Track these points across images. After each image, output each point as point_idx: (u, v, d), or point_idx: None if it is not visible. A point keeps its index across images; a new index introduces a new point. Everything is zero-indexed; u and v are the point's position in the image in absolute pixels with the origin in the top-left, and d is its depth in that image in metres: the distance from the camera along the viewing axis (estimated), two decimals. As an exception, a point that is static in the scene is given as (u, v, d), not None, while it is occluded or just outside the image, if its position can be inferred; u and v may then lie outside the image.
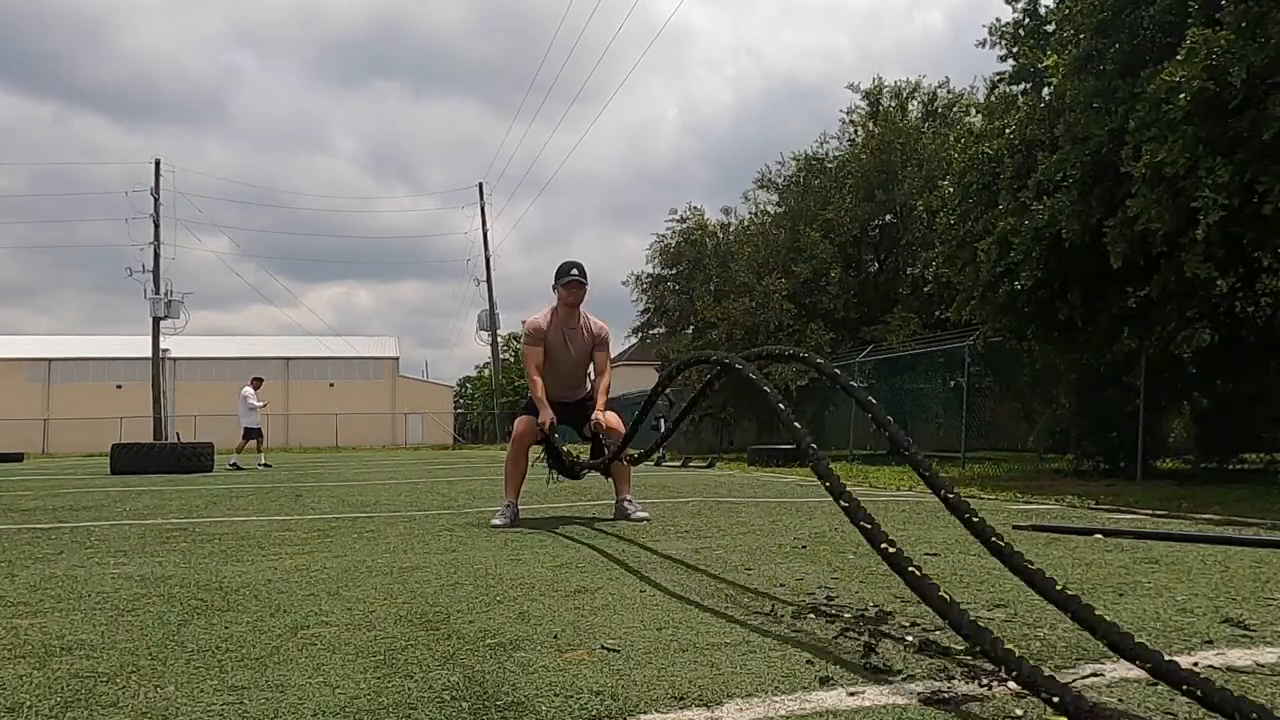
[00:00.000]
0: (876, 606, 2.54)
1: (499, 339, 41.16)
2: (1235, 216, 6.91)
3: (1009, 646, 1.70)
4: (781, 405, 2.63)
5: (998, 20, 10.48)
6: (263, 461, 15.83)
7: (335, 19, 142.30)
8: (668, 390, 19.91)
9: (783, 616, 2.45)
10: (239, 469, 14.66)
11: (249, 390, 15.98)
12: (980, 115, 11.87)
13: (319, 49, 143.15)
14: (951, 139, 14.31)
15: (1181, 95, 6.86)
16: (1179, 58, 6.98)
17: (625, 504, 5.27)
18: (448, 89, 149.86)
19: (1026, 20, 10.11)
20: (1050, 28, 9.75)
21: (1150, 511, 5.83)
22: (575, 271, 5.27)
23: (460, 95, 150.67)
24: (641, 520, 5.07)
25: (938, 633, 2.21)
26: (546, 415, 5.08)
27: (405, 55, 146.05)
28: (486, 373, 48.54)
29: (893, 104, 19.61)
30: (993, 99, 10.84)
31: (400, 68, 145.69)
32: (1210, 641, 2.14)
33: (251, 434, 15.77)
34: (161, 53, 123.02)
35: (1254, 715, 1.37)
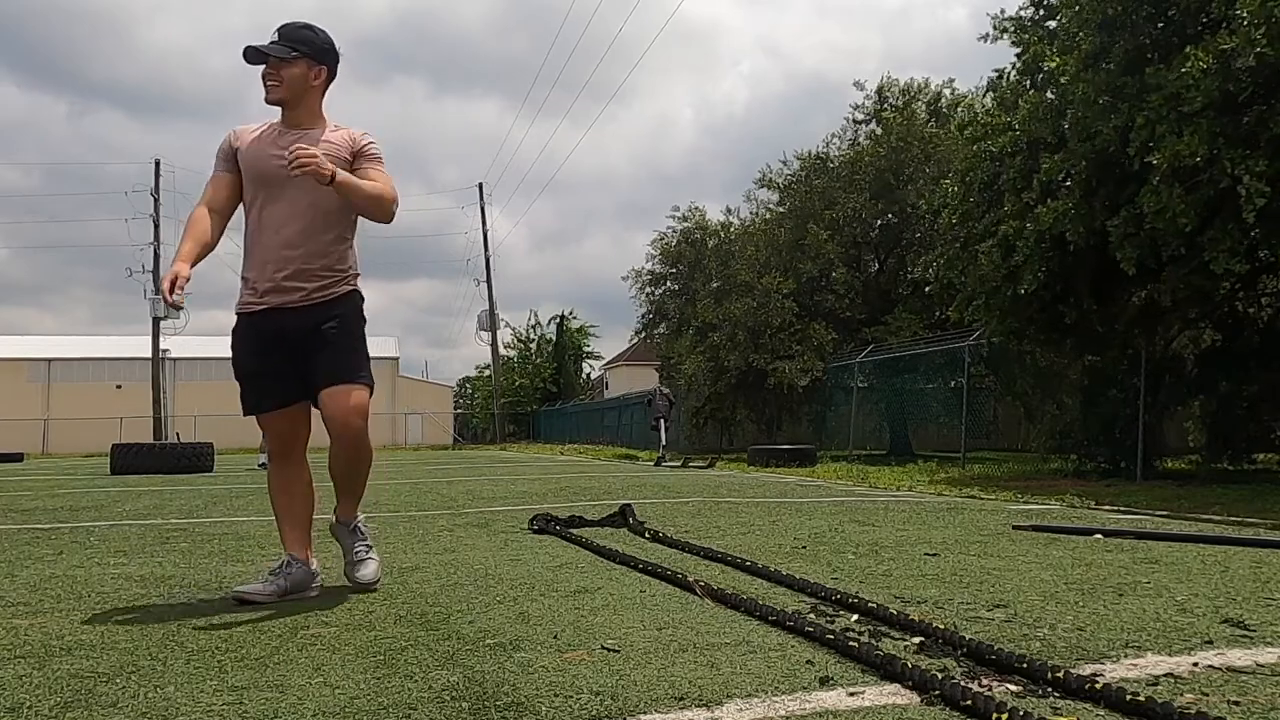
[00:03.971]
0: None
1: (500, 338, 41.16)
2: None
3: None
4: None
5: (1001, 12, 10.44)
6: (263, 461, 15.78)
7: (358, 15, 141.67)
8: (668, 390, 19.67)
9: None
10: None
11: None
12: (990, 97, 11.58)
13: (340, 45, 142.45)
14: (953, 127, 14.22)
15: (1200, 87, 6.81)
16: (1195, 49, 6.93)
17: (352, 552, 3.02)
18: (467, 86, 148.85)
19: (1033, 12, 10.08)
20: (1052, 24, 9.74)
21: (1150, 512, 5.83)
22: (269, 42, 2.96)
23: (480, 92, 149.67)
24: (367, 584, 2.95)
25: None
26: (173, 271, 2.78)
27: (426, 53, 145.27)
28: (487, 373, 48.55)
29: (899, 103, 19.58)
30: (1004, 85, 10.67)
31: (420, 65, 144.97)
32: (1210, 641, 2.14)
33: None
34: (179, 49, 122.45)
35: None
